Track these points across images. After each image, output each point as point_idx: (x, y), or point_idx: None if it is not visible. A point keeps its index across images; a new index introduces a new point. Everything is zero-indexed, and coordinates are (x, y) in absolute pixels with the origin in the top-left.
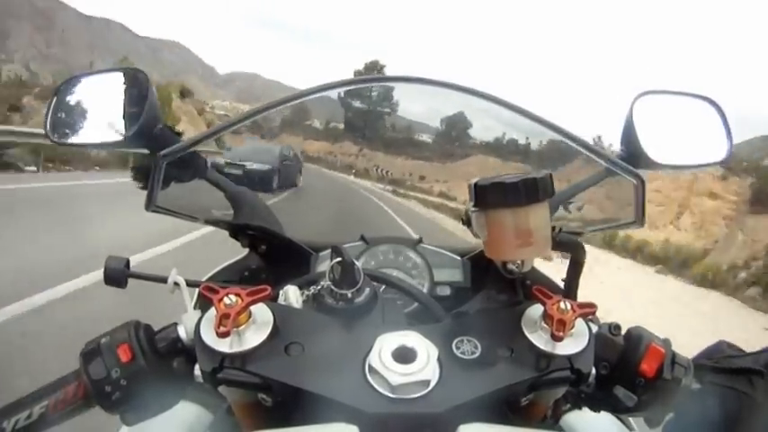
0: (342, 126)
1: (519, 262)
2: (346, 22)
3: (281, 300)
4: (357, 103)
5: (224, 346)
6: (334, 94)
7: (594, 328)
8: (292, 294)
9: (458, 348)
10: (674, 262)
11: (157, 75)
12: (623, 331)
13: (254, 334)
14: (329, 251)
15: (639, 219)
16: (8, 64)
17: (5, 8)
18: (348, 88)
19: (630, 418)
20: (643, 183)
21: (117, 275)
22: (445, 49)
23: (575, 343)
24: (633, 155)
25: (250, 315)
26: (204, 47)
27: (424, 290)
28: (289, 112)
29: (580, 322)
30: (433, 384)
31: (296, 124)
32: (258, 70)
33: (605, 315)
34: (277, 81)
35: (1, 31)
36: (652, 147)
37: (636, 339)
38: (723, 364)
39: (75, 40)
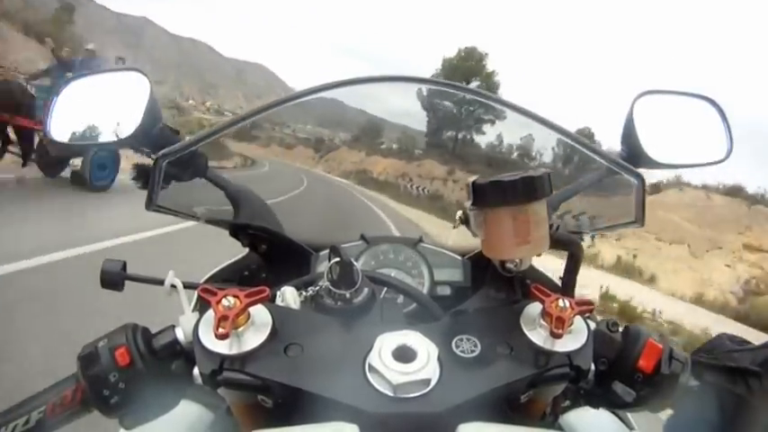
0: (421, 137)
1: (517, 260)
2: (425, 56)
3: (278, 301)
4: (443, 107)
5: (223, 347)
6: (412, 98)
7: (593, 325)
8: (289, 295)
9: (457, 347)
10: None
11: (241, 94)
12: (621, 328)
13: (253, 335)
14: (329, 251)
15: (640, 218)
16: None
17: (95, 22)
18: (347, 87)
19: (629, 414)
20: (643, 182)
21: (113, 278)
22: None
23: (573, 340)
24: (633, 154)
25: (249, 316)
26: (288, 71)
27: (424, 290)
28: (357, 129)
29: (578, 319)
30: (433, 383)
31: (362, 139)
32: (341, 97)
33: None
34: (361, 109)
35: (90, 41)
36: (652, 146)
37: (634, 335)
38: (722, 361)
39: (163, 58)
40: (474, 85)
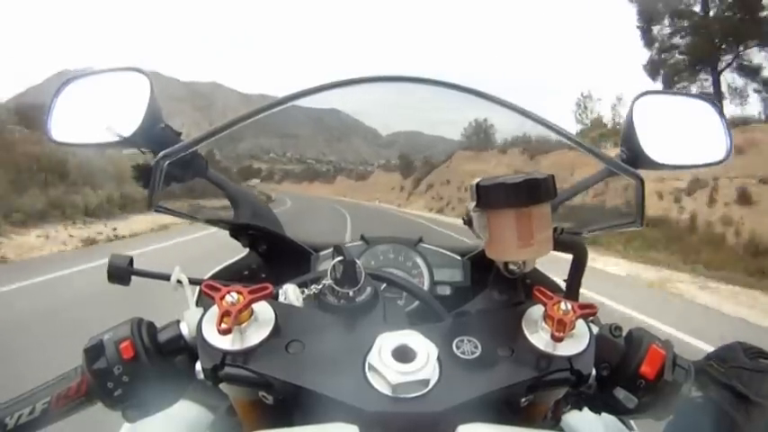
0: None
1: (521, 262)
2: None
3: (280, 298)
4: None
5: (225, 343)
6: None
7: (595, 330)
8: (292, 293)
9: (458, 348)
10: None
11: (321, 139)
12: (624, 333)
13: (256, 332)
14: (329, 251)
15: (639, 219)
16: None
17: (167, 93)
18: (345, 88)
19: (631, 420)
20: (643, 183)
21: (120, 273)
22: None
23: (575, 344)
24: (633, 155)
25: (252, 313)
26: (363, 112)
27: (424, 289)
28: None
29: (581, 323)
30: (432, 384)
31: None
32: (421, 128)
33: None
34: (440, 136)
35: (165, 113)
36: (652, 147)
37: (637, 341)
38: (730, 378)
39: (235, 115)
40: None
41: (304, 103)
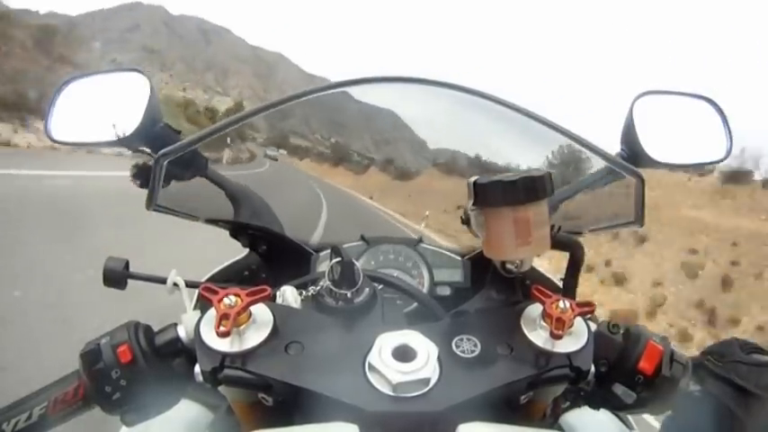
0: None
1: (518, 261)
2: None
3: (278, 300)
4: None
5: (224, 345)
6: None
7: (593, 327)
8: (290, 294)
9: (457, 347)
10: None
11: (368, 137)
12: (622, 329)
13: (254, 334)
14: (329, 251)
15: (639, 218)
16: (223, 96)
17: (232, 51)
18: (347, 89)
19: (629, 416)
20: (643, 182)
21: (116, 276)
22: None
23: (574, 341)
24: (633, 154)
25: (250, 315)
26: (418, 123)
27: (424, 290)
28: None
29: (579, 321)
30: (432, 383)
31: None
32: (460, 148)
33: None
34: (493, 162)
35: (224, 69)
36: (652, 146)
37: (634, 337)
38: (728, 372)
39: (293, 92)
40: None
41: (362, 98)
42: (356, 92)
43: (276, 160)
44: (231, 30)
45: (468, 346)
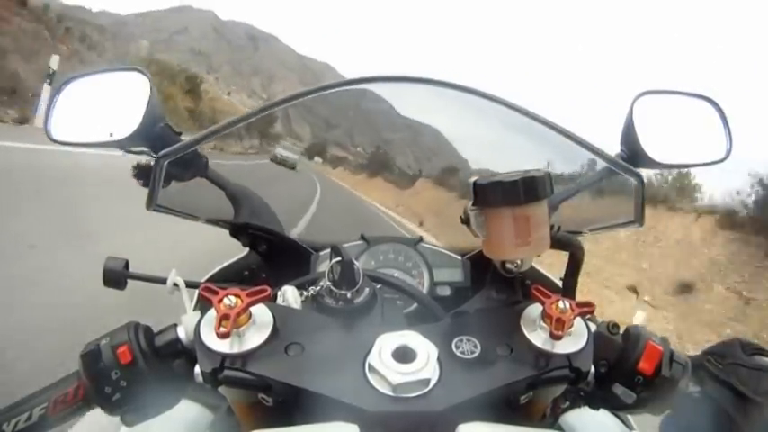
0: None
1: (518, 261)
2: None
3: (279, 300)
4: None
5: (224, 346)
6: None
7: (593, 327)
8: (291, 295)
9: (457, 348)
10: None
11: (410, 153)
12: (622, 330)
13: (254, 334)
14: (329, 251)
15: (639, 218)
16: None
17: (279, 59)
18: (347, 89)
19: (629, 416)
20: (643, 182)
21: (116, 276)
22: None
23: (573, 342)
24: (633, 154)
25: (250, 316)
26: (462, 142)
27: (424, 290)
28: None
29: (579, 321)
30: (432, 383)
31: None
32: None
33: None
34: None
35: (270, 75)
36: (652, 146)
37: (634, 338)
38: (728, 375)
39: (336, 102)
40: None
41: (406, 113)
42: (400, 106)
43: (293, 168)
44: (279, 38)
45: (467, 347)
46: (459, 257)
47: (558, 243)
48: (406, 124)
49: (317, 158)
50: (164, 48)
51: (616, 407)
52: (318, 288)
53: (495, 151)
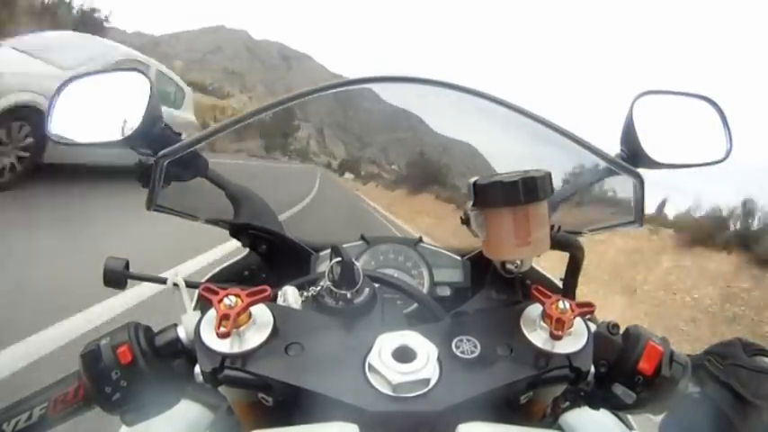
0: None
1: (518, 261)
2: None
3: (279, 300)
4: None
5: (224, 346)
6: None
7: (593, 327)
8: (291, 295)
9: (457, 348)
10: None
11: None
12: (622, 330)
13: (254, 334)
14: (329, 251)
15: (639, 218)
16: (303, 122)
17: (313, 77)
18: (347, 89)
19: (629, 416)
20: (642, 182)
21: (116, 276)
22: None
23: (573, 342)
24: (633, 154)
25: (250, 316)
26: (496, 158)
27: (424, 290)
28: None
29: (579, 321)
30: (432, 383)
31: None
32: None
33: None
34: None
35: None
36: (652, 146)
37: (634, 338)
38: (728, 377)
39: (372, 122)
40: None
41: (439, 129)
42: (432, 122)
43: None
44: (312, 56)
45: (467, 347)
46: (459, 258)
47: (558, 243)
48: (440, 142)
49: (347, 174)
50: (197, 67)
51: (616, 407)
52: (318, 288)
53: (509, 158)
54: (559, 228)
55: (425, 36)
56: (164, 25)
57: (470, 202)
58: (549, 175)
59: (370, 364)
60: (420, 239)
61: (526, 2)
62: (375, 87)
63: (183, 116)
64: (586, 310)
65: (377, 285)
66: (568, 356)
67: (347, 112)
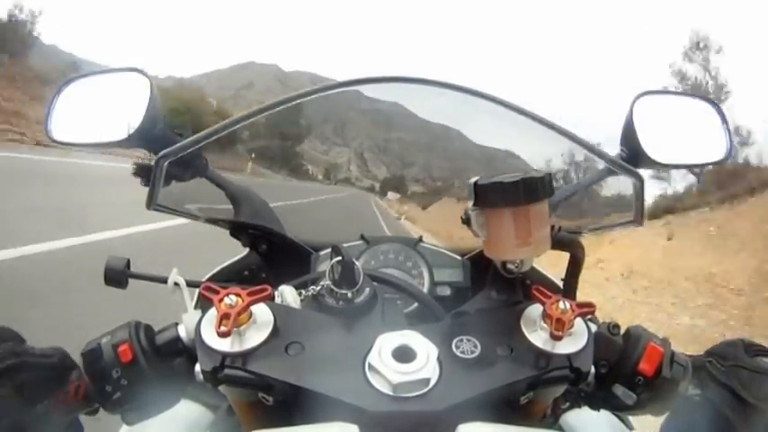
0: None
1: (518, 261)
2: None
3: (277, 300)
4: None
5: (224, 345)
6: None
7: (594, 328)
8: (288, 294)
9: (457, 348)
10: None
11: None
12: (622, 330)
13: (255, 334)
14: (329, 250)
15: (639, 218)
16: (342, 147)
17: (348, 102)
18: (347, 89)
19: (629, 417)
20: (642, 182)
21: (117, 275)
22: None
23: (574, 342)
24: (633, 154)
25: (250, 315)
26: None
27: (424, 290)
28: None
29: (579, 322)
30: (432, 383)
31: None
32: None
33: None
34: None
35: (342, 120)
36: (652, 146)
37: (635, 339)
38: (729, 378)
39: (412, 140)
40: None
41: (479, 140)
42: (471, 134)
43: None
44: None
45: (468, 347)
46: (459, 257)
47: (558, 243)
48: (480, 152)
49: (390, 194)
50: (231, 104)
51: (616, 407)
52: (319, 288)
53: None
54: (560, 228)
55: (456, 60)
56: (194, 66)
57: (471, 202)
58: (550, 175)
59: (370, 364)
60: (420, 239)
61: (526, 2)
62: (409, 106)
63: None
64: (587, 310)
65: (377, 285)
66: (569, 357)
67: (387, 132)
